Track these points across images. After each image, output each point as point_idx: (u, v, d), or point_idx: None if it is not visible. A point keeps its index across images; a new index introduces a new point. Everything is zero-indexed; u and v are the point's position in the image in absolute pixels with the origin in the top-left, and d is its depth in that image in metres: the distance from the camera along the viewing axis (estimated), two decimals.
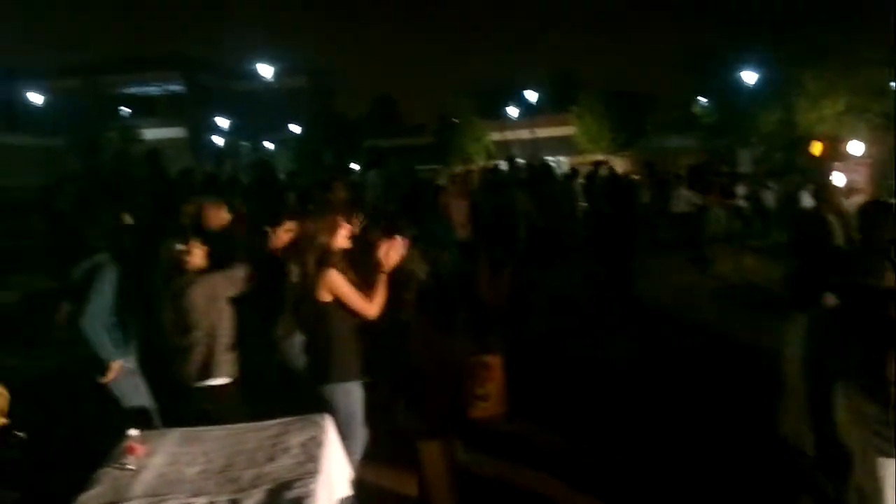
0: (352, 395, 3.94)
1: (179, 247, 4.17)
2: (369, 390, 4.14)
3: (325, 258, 3.92)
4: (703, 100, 35.50)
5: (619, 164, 28.12)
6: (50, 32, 76.08)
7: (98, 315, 4.30)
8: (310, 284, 3.90)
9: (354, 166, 26.76)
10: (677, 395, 5.80)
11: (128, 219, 4.88)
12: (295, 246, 4.23)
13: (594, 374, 6.33)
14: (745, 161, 23.74)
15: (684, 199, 12.96)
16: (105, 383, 4.36)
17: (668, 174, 16.61)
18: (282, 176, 12.57)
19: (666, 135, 37.07)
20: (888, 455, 2.29)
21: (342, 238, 4.04)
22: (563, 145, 37.90)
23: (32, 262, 8.21)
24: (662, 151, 33.11)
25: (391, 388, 4.67)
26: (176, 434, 3.44)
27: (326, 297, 3.89)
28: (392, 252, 4.02)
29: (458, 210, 8.46)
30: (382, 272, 4.00)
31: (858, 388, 2.32)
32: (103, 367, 4.33)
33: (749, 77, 27.34)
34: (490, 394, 5.63)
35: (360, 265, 4.12)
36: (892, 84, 20.89)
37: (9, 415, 3.63)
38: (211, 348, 4.09)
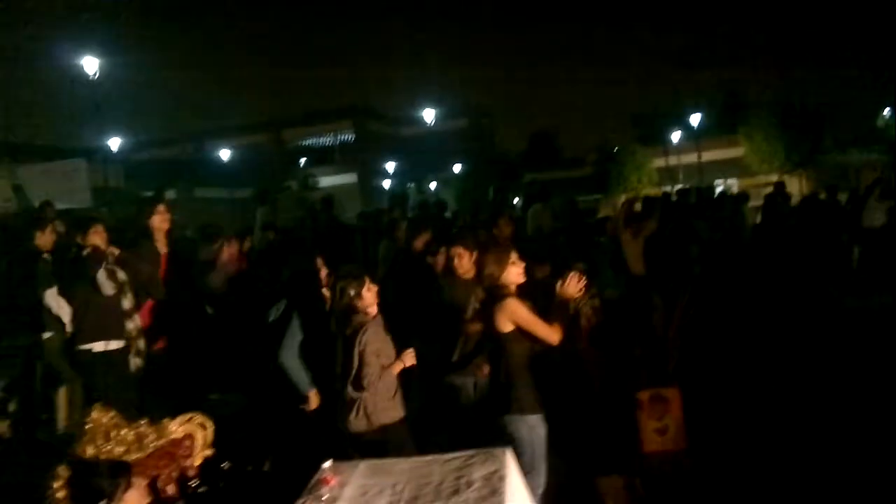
0: (535, 429, 3.94)
1: (352, 290, 4.22)
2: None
3: (498, 290, 3.99)
4: (887, 112, 32.85)
5: (793, 184, 26.50)
6: (236, 94, 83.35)
7: (295, 350, 4.63)
8: (487, 316, 4.00)
9: (516, 201, 27.03)
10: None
11: (321, 263, 5.23)
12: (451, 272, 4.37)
13: (784, 405, 5.94)
14: None
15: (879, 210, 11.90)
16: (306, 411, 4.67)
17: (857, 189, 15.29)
18: (446, 214, 12.95)
19: (845, 150, 34.52)
20: None
21: (515, 273, 4.09)
22: (730, 168, 36.26)
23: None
24: (842, 168, 30.86)
25: (565, 423, 4.63)
26: (363, 466, 3.60)
27: (507, 328, 3.93)
28: (571, 284, 3.99)
29: (629, 243, 8.34)
30: (561, 301, 3.99)
31: None
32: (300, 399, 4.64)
33: None
34: (668, 427, 5.45)
35: (529, 299, 4.16)
36: None
37: (213, 446, 3.99)
38: (375, 399, 4.12)
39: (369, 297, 4.21)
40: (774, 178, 27.71)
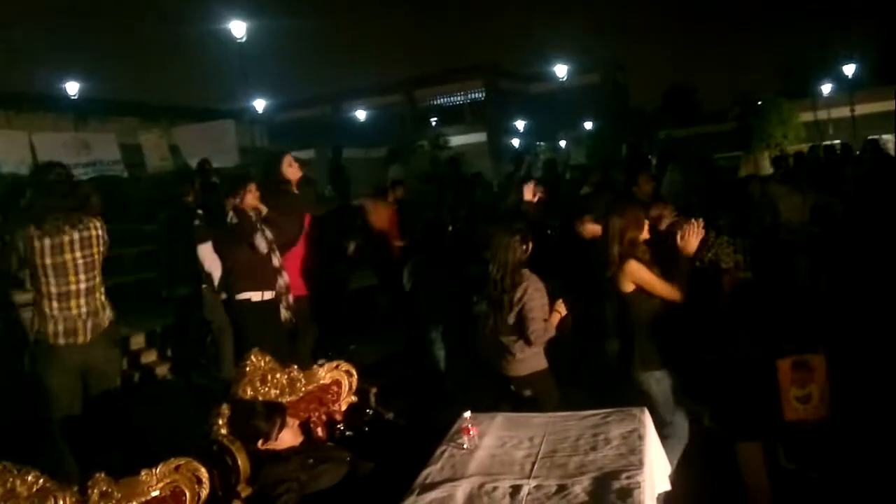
0: (661, 382, 4.01)
1: (523, 245, 4.37)
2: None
3: (630, 251, 4.05)
4: None
5: None
6: (372, 55, 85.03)
7: None
8: (615, 276, 4.04)
9: (651, 159, 26.27)
10: None
11: (447, 217, 5.36)
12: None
13: None
14: None
15: None
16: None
17: None
18: (577, 173, 12.80)
19: None
20: None
21: (644, 231, 4.16)
22: (888, 121, 33.47)
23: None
24: None
25: (699, 388, 4.53)
26: (501, 418, 3.70)
27: (629, 287, 4.02)
28: (690, 237, 4.01)
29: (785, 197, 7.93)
30: (684, 257, 4.02)
31: None
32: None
33: None
34: (812, 395, 5.23)
35: (660, 258, 4.19)
36: None
37: (357, 394, 4.21)
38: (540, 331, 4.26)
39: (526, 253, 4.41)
40: None
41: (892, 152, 14.24)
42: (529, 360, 4.31)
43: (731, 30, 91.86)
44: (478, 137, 40.52)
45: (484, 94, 43.58)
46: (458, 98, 44.99)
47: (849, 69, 34.27)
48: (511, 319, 4.23)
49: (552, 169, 11.55)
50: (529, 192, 5.82)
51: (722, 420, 4.61)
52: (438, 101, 45.53)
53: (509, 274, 4.25)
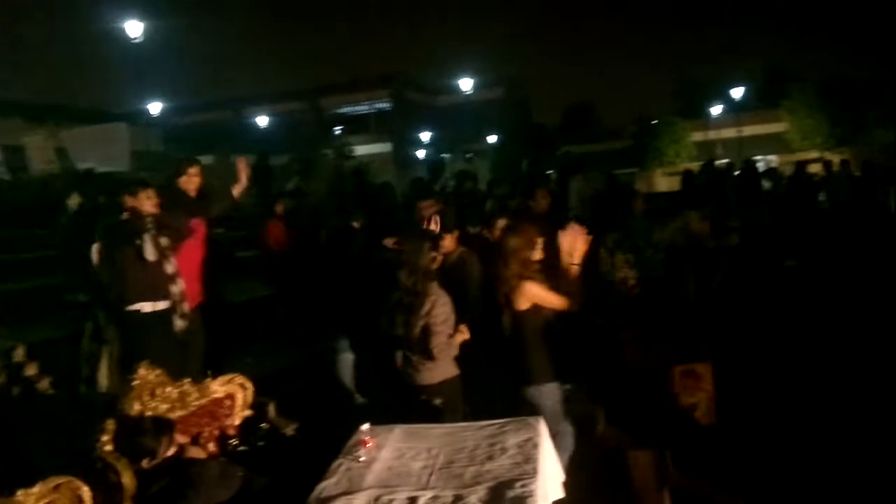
0: (551, 395, 4.09)
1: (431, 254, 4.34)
2: (571, 399, 4.21)
3: (524, 270, 4.10)
4: None
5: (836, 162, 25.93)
6: (275, 61, 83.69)
7: None
8: (510, 294, 4.09)
9: (550, 173, 26.89)
10: None
11: (356, 224, 5.32)
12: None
13: (811, 384, 5.91)
14: None
15: None
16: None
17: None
18: (481, 186, 12.99)
19: (888, 128, 33.59)
20: None
21: (538, 250, 4.21)
22: (771, 143, 35.51)
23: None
24: (886, 146, 30.06)
25: (592, 397, 4.67)
26: (399, 430, 3.69)
27: (524, 306, 4.08)
28: (576, 242, 4.11)
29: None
30: (572, 264, 4.11)
31: None
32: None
33: None
34: (699, 403, 5.46)
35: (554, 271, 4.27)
36: None
37: (253, 407, 4.10)
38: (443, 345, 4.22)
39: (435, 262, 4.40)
40: (815, 154, 27.19)
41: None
42: (440, 367, 4.25)
43: (629, 50, 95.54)
44: (383, 148, 40.43)
45: (390, 105, 43.53)
46: (364, 107, 44.77)
47: (737, 92, 36.18)
48: (416, 331, 4.18)
49: (463, 180, 11.60)
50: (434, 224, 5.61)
51: (615, 428, 4.75)
52: (344, 110, 45.12)
53: (420, 279, 4.19)
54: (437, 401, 4.24)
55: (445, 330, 4.18)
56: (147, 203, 5.03)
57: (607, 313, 5.58)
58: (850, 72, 33.14)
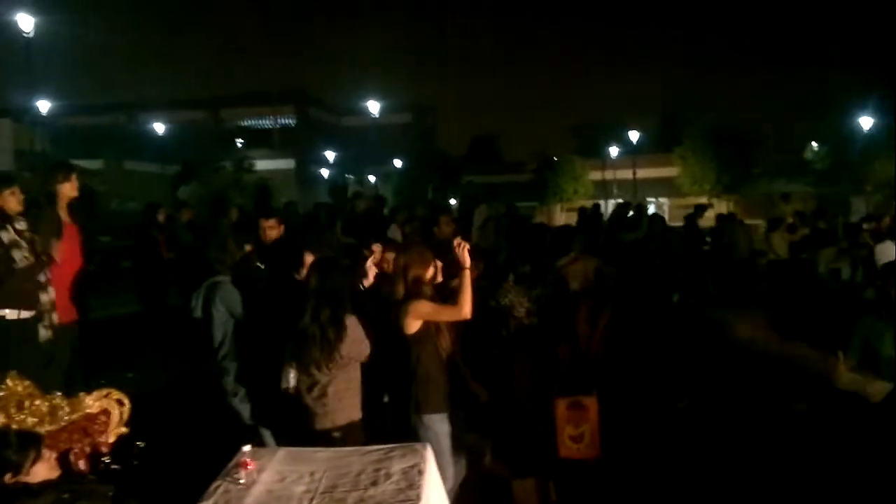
0: (440, 426, 4.01)
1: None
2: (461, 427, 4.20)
3: (415, 289, 4.03)
4: (815, 145, 34.46)
5: (722, 208, 27.49)
6: (176, 67, 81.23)
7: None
8: (399, 318, 4.01)
9: (453, 202, 27.23)
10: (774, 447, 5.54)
11: (248, 247, 5.16)
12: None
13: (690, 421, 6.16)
14: (858, 209, 22.79)
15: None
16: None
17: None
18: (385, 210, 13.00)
19: (774, 179, 35.94)
20: None
21: (433, 273, 4.16)
22: (663, 186, 37.23)
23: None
24: (770, 196, 32.08)
25: (481, 427, 4.68)
26: (282, 453, 3.59)
27: (413, 328, 3.99)
28: (462, 251, 4.02)
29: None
30: (464, 270, 4.01)
31: None
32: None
33: (865, 123, 26.46)
34: (584, 435, 5.58)
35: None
36: None
37: (128, 425, 3.90)
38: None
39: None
40: (704, 199, 28.66)
41: (665, 214, 15.76)
42: (342, 409, 3.93)
43: (533, 88, 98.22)
44: (285, 164, 39.82)
45: (295, 121, 43.02)
46: (268, 122, 43.99)
47: (633, 135, 37.80)
48: (326, 360, 3.85)
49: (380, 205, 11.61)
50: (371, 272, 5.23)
51: (502, 457, 4.79)
52: (246, 123, 44.16)
53: (330, 305, 3.86)
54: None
55: (358, 357, 3.93)
56: (12, 201, 4.75)
57: (501, 343, 5.64)
58: (739, 124, 35.26)
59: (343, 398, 3.89)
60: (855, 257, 12.57)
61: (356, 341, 3.89)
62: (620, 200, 16.16)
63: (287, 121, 43.19)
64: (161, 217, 8.61)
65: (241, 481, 3.21)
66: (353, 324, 3.90)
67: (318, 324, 3.81)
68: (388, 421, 4.37)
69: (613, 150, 40.58)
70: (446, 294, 4.18)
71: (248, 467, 3.28)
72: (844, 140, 28.24)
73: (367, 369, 4.06)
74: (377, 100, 30.00)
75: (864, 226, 14.29)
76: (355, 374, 3.95)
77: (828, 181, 31.20)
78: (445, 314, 4.00)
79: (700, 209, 13.89)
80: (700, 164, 35.37)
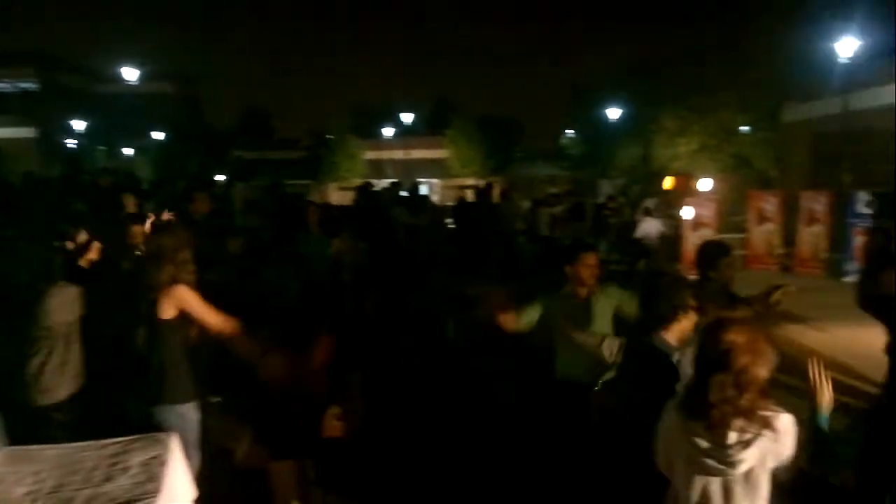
0: (186, 417, 3.83)
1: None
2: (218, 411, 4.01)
3: (179, 273, 3.82)
4: (570, 132, 37.41)
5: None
6: None
7: None
8: (157, 300, 3.77)
9: (220, 178, 26.01)
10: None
11: None
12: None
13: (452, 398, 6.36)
14: (604, 191, 25.07)
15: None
16: None
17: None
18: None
19: (534, 163, 38.64)
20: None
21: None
22: (435, 168, 38.45)
23: None
24: (531, 178, 34.33)
25: (241, 410, 4.49)
26: (5, 453, 3.19)
27: (170, 314, 3.78)
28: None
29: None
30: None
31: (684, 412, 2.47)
32: None
33: (613, 113, 29.14)
34: (347, 414, 5.56)
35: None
36: (742, 128, 22.75)
37: None
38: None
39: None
40: (472, 181, 30.00)
41: (436, 195, 16.13)
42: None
43: (307, 63, 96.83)
44: (26, 132, 35.58)
45: (38, 86, 38.41)
46: (6, 86, 39.01)
47: (407, 117, 38.57)
48: None
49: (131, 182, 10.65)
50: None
51: (263, 441, 4.64)
52: None
53: None
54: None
55: None
56: None
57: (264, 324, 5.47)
58: (504, 110, 37.45)
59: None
60: (598, 233, 13.82)
61: None
62: (394, 180, 16.36)
63: (28, 84, 38.45)
64: None
65: None
66: None
67: None
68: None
69: (388, 131, 41.13)
70: None
71: None
72: (594, 129, 30.82)
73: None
74: (135, 66, 27.60)
75: (609, 205, 15.77)
76: None
77: (580, 166, 34.03)
78: (211, 319, 3.85)
79: (489, 187, 14.37)
80: (468, 147, 37.04)
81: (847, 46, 15.21)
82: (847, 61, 15.32)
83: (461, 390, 6.44)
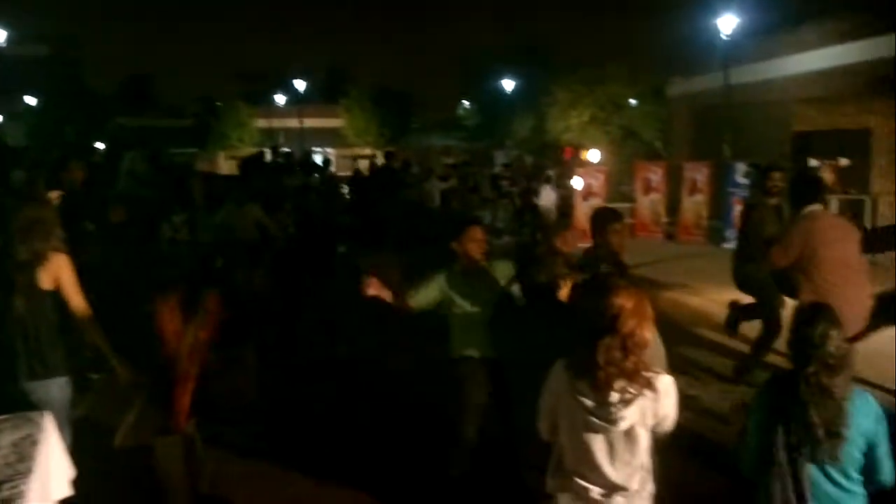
0: (65, 389, 3.68)
1: None
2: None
3: (55, 243, 3.68)
4: (466, 103, 37.61)
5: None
6: None
7: None
8: (33, 269, 3.57)
9: (99, 145, 24.61)
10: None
11: None
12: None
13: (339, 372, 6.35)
14: (499, 162, 25.42)
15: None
16: None
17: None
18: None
19: (431, 133, 38.66)
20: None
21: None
22: (330, 136, 37.85)
23: None
24: (426, 149, 34.36)
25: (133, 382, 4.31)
26: None
27: (47, 285, 3.61)
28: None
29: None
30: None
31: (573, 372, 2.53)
32: None
33: (508, 85, 29.44)
34: (240, 386, 5.48)
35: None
36: (631, 100, 23.46)
37: None
38: None
39: None
40: (367, 150, 29.75)
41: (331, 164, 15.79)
42: None
43: (193, 26, 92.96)
44: None
45: None
46: None
47: (300, 85, 37.66)
48: None
49: None
50: None
51: (151, 416, 4.49)
52: None
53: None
54: None
55: None
56: None
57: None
58: (400, 80, 37.22)
59: None
60: (495, 205, 13.96)
61: None
62: (287, 149, 15.98)
63: None
64: None
65: None
66: None
67: None
68: None
69: (280, 99, 40.07)
70: None
71: None
72: (490, 100, 31.11)
73: None
74: (4, 27, 25.61)
75: (504, 174, 15.97)
76: None
77: (476, 137, 34.34)
78: (72, 286, 3.67)
79: (390, 155, 14.20)
80: (364, 116, 36.61)
81: (728, 23, 15.82)
82: (727, 38, 15.95)
83: (352, 365, 6.46)
